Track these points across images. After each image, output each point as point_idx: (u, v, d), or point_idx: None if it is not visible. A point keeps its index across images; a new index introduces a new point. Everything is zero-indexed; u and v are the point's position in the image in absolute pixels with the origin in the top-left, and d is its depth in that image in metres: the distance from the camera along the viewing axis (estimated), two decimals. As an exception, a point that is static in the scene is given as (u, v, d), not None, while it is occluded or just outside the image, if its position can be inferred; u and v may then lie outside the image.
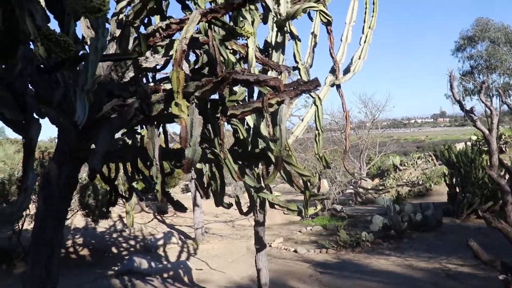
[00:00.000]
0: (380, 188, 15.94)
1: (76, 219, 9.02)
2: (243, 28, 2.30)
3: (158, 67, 2.78)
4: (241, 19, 2.57)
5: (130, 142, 3.04)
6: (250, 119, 2.76)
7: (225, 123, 2.69)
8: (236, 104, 2.29)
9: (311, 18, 3.27)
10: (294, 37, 2.75)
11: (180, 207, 2.87)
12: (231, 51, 2.69)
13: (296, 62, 2.76)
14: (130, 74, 2.78)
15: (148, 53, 2.66)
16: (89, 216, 7.59)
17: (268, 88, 2.27)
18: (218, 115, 2.20)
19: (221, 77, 1.89)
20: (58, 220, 2.44)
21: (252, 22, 2.69)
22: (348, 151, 3.57)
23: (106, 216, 7.79)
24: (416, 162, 18.18)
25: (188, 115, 2.18)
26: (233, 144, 2.80)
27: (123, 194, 3.73)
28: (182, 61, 2.13)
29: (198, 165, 2.91)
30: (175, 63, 2.10)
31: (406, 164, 18.36)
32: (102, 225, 9.30)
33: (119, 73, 2.62)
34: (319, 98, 2.71)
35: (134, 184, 3.37)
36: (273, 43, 2.84)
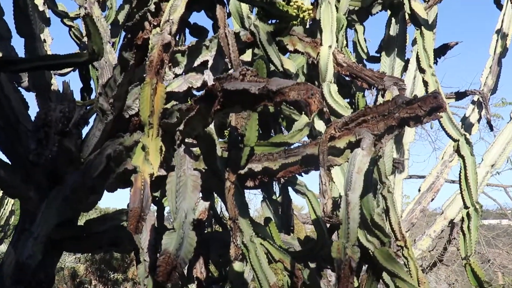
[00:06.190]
0: None
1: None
2: (294, 0, 1.55)
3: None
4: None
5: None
6: (340, 178, 1.91)
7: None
8: (273, 152, 1.52)
9: (498, 4, 2.43)
10: (417, 24, 1.85)
11: None
12: (298, 53, 1.99)
13: (422, 70, 1.83)
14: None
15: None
16: None
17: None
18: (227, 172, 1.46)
19: (208, 90, 1.17)
20: None
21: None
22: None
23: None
24: None
25: (171, 171, 1.48)
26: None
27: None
28: (163, 65, 1.49)
29: (237, 265, 2.15)
30: (149, 70, 1.47)
31: None
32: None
33: (109, 98, 2.11)
34: (467, 140, 1.68)
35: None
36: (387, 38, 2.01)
